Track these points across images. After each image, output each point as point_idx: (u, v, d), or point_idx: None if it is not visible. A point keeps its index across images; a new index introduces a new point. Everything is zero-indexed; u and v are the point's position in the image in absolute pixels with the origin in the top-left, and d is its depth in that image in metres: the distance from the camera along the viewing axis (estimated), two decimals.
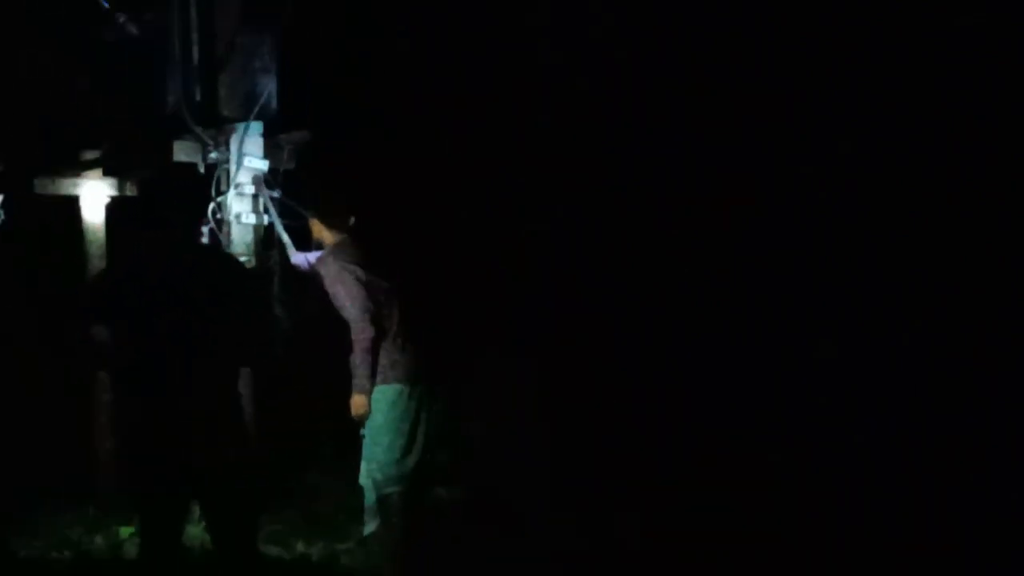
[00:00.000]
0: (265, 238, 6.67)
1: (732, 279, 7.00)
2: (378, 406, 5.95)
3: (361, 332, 5.89)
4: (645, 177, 7.37)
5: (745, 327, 6.94)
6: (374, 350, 5.91)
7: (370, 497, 6.03)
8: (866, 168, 6.75)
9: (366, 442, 6.01)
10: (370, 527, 6.07)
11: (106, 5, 6.74)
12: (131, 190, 7.31)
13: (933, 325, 6.35)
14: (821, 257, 6.87)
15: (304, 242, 6.43)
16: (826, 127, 6.90)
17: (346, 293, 5.91)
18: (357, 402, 5.93)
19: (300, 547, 6.50)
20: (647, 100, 7.38)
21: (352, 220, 6.14)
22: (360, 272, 5.93)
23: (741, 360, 6.85)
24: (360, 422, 5.99)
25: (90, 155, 7.26)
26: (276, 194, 6.65)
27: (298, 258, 6.46)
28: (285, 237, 6.59)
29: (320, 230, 6.19)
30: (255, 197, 6.62)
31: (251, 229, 6.64)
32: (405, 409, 5.97)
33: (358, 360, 5.90)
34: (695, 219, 7.19)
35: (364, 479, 6.03)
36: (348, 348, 5.97)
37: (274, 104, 6.74)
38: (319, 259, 6.14)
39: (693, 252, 7.15)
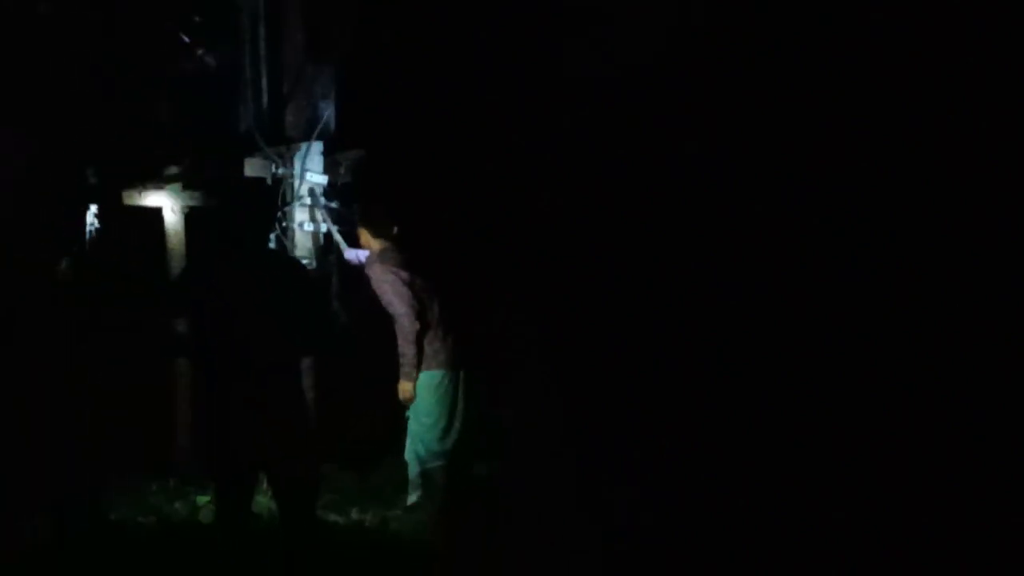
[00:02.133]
0: (324, 243, 7.02)
1: (752, 275, 6.76)
2: (422, 390, 6.39)
3: (407, 326, 6.32)
4: (675, 181, 7.09)
5: (763, 323, 6.57)
6: (418, 342, 6.36)
7: (413, 470, 6.45)
8: (869, 168, 6.49)
9: (411, 422, 6.43)
10: (412, 497, 6.47)
11: (186, 40, 7.15)
12: (208, 201, 7.57)
13: (933, 324, 6.07)
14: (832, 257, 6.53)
15: (356, 245, 6.77)
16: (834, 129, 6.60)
17: (393, 292, 6.33)
18: (403, 388, 6.40)
19: (354, 514, 6.74)
20: (689, 108, 7.08)
21: (395, 229, 6.52)
22: (404, 274, 6.34)
23: (764, 355, 6.50)
24: (406, 405, 6.44)
25: (172, 170, 7.57)
26: (334, 204, 6.98)
27: (350, 254, 6.84)
28: (338, 237, 6.90)
29: (367, 238, 6.57)
30: (314, 207, 6.96)
31: (311, 236, 7.00)
32: (445, 392, 6.42)
33: (404, 351, 6.34)
34: (719, 217, 6.91)
35: (409, 454, 6.45)
36: (395, 340, 6.38)
37: (332, 126, 7.10)
38: (368, 263, 6.50)
39: (715, 249, 6.89)
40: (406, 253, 6.53)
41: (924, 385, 5.95)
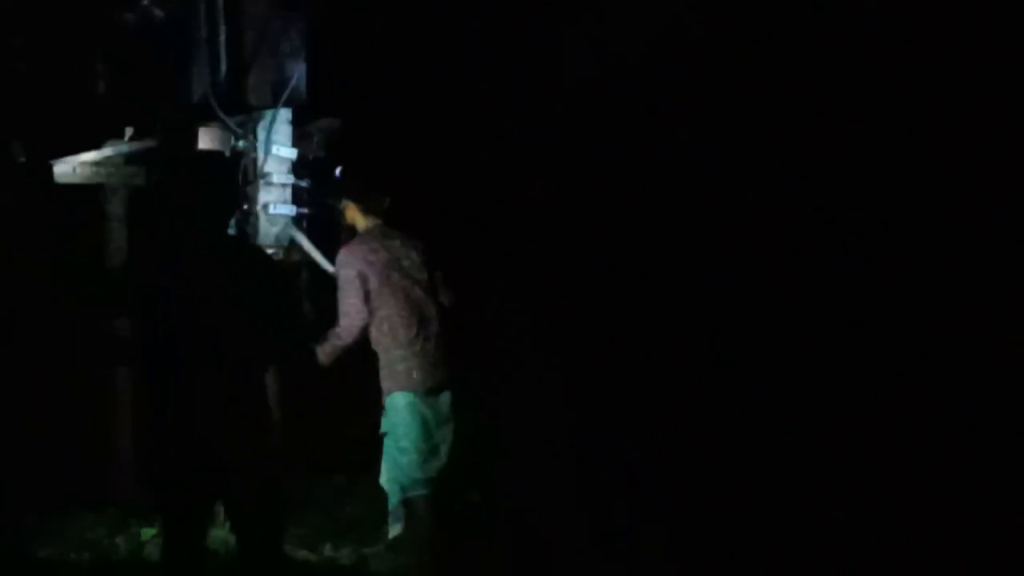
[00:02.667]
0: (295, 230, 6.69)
1: (747, 267, 6.90)
2: (397, 412, 5.89)
3: (346, 328, 5.92)
4: (668, 171, 7.27)
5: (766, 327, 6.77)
6: (350, 343, 5.93)
7: (393, 500, 5.96)
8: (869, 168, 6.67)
9: (387, 446, 5.94)
10: (394, 530, 5.99)
11: None
12: (155, 179, 7.13)
13: (932, 320, 6.20)
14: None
15: (332, 231, 6.40)
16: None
17: (348, 286, 5.93)
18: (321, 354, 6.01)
19: (327, 550, 6.55)
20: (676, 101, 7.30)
21: (387, 202, 6.08)
22: (368, 271, 5.89)
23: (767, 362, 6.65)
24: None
25: (112, 143, 7.17)
26: (304, 183, 6.64)
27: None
28: (320, 257, 6.61)
29: (354, 213, 6.11)
30: (284, 187, 6.62)
31: (279, 220, 6.63)
32: (424, 414, 5.90)
33: (335, 341, 5.91)
34: (712, 207, 7.10)
35: (386, 482, 5.95)
36: (367, 349, 5.96)
37: (303, 90, 6.71)
38: (340, 251, 6.13)
39: (709, 240, 7.05)
40: (394, 236, 6.05)
41: (924, 383, 5.96)
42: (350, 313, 5.93)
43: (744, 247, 7.01)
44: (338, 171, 6.35)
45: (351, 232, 6.14)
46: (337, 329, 5.97)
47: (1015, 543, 5.15)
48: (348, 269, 5.96)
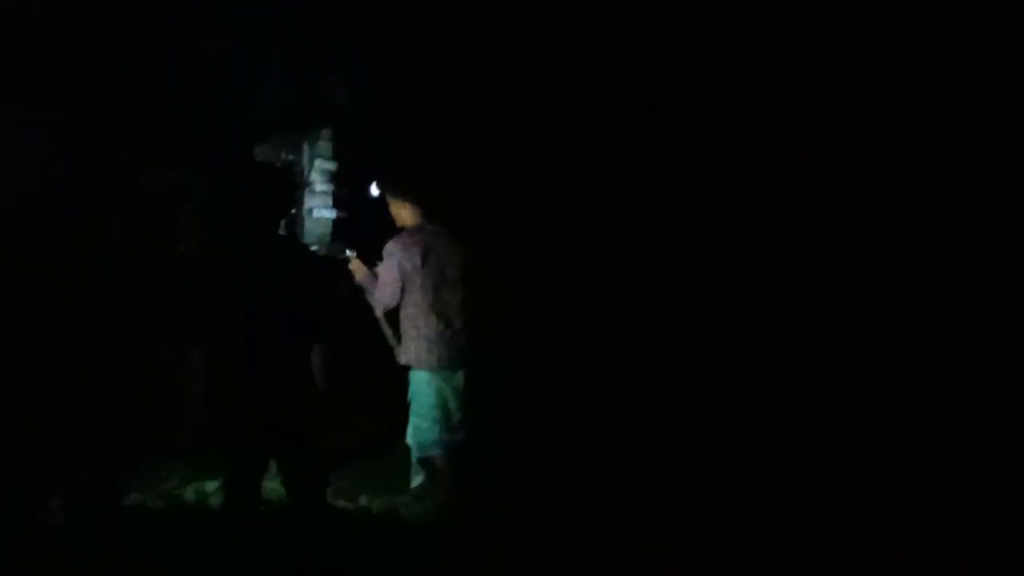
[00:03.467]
0: (335, 231, 6.98)
1: (746, 266, 6.83)
2: (418, 386, 6.29)
3: (377, 303, 6.29)
4: (668, 170, 7.20)
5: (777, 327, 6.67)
6: (387, 317, 6.32)
7: (415, 455, 6.35)
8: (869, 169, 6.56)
9: (412, 409, 6.34)
10: (416, 480, 6.37)
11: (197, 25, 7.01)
12: (221, 187, 7.15)
13: (932, 319, 6.17)
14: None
15: (368, 234, 6.61)
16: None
17: (385, 270, 6.21)
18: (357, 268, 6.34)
19: (363, 500, 6.79)
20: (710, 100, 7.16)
21: (432, 199, 6.28)
22: (407, 265, 6.17)
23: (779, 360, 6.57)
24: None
25: (185, 155, 7.33)
26: (344, 191, 6.96)
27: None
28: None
29: (399, 209, 6.30)
30: (326, 194, 6.93)
31: (322, 222, 6.96)
32: (441, 391, 6.27)
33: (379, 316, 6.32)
34: (712, 206, 7.02)
35: (410, 439, 6.34)
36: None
37: (343, 113, 7.11)
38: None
39: (709, 239, 7.01)
40: (439, 232, 6.30)
41: (924, 382, 6.00)
42: (385, 286, 6.24)
43: (744, 247, 6.86)
44: (373, 186, 6.59)
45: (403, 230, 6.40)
46: (375, 295, 6.29)
47: (1015, 543, 5.12)
48: (389, 254, 6.25)
